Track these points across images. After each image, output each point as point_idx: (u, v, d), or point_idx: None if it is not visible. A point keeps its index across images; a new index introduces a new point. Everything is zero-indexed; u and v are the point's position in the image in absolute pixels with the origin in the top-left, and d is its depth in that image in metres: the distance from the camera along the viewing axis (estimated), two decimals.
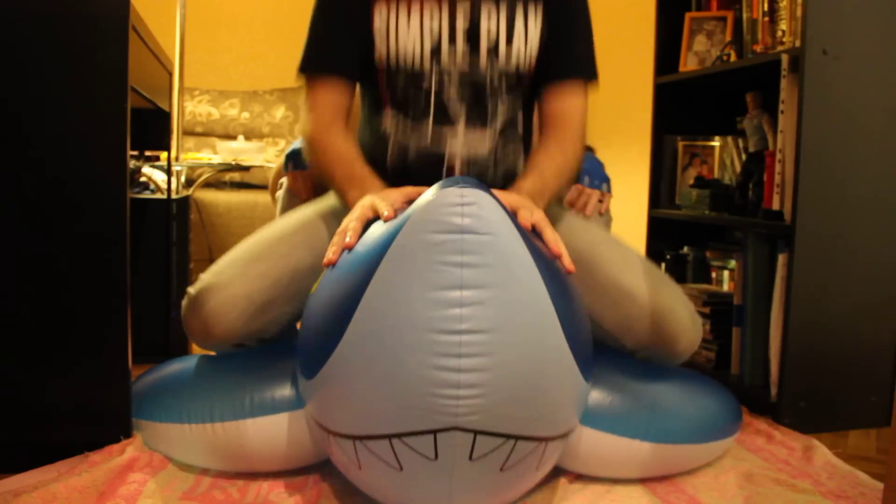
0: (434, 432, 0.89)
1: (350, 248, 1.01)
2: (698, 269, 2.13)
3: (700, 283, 2.08)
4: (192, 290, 1.24)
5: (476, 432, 0.89)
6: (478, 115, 1.31)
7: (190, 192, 2.42)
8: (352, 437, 0.95)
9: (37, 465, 1.18)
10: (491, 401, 0.88)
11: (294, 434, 1.12)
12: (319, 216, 1.31)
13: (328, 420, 1.00)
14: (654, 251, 2.18)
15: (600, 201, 1.73)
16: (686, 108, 2.13)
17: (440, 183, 0.93)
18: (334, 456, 1.03)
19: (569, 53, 1.33)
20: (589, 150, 1.69)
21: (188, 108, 3.39)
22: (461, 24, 1.27)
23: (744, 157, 2.02)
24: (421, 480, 0.93)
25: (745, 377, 1.70)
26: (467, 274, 0.86)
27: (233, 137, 3.26)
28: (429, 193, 0.91)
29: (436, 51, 1.27)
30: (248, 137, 3.32)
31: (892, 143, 1.54)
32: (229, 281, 1.20)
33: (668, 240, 2.18)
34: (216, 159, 2.79)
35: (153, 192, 2.19)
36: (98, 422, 1.23)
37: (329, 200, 1.37)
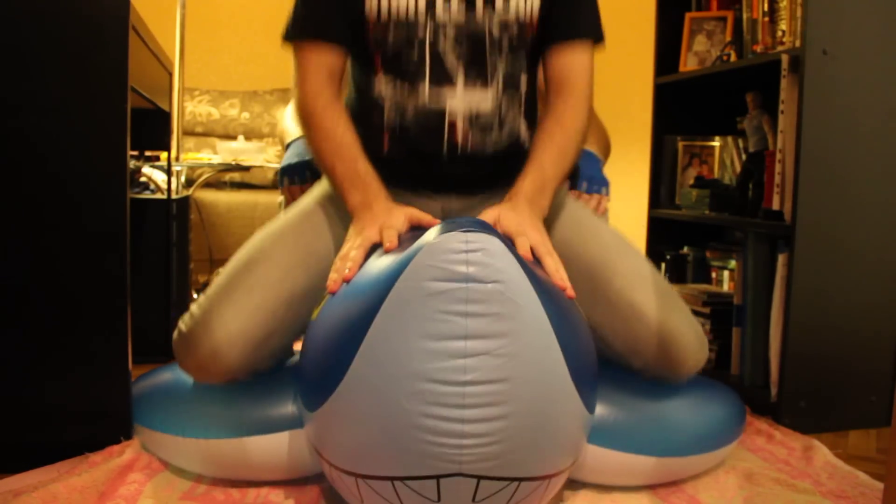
0: (437, 477, 0.86)
1: (348, 281, 0.99)
2: (698, 269, 2.13)
3: (700, 283, 2.08)
4: (184, 325, 1.15)
5: (480, 478, 0.87)
6: (477, 73, 1.24)
7: (190, 192, 2.42)
8: (354, 474, 0.93)
9: (37, 465, 1.18)
10: (496, 449, 0.86)
11: (294, 451, 1.10)
12: (313, 221, 1.24)
13: (330, 454, 0.97)
14: (654, 251, 2.18)
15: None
16: (686, 108, 2.13)
17: (442, 224, 0.88)
18: (335, 483, 1.01)
19: (573, 13, 1.28)
20: (587, 153, 1.67)
21: (188, 108, 3.39)
22: None
23: (744, 157, 2.02)
24: None
25: (745, 377, 1.70)
26: (472, 324, 0.82)
27: (233, 137, 3.25)
28: (431, 234, 0.86)
29: (430, 4, 1.20)
30: (248, 137, 3.31)
31: (892, 143, 1.54)
32: (225, 318, 1.12)
33: (668, 240, 2.18)
34: (216, 159, 2.79)
35: (153, 192, 2.19)
36: (98, 422, 1.23)
37: (322, 188, 1.30)
